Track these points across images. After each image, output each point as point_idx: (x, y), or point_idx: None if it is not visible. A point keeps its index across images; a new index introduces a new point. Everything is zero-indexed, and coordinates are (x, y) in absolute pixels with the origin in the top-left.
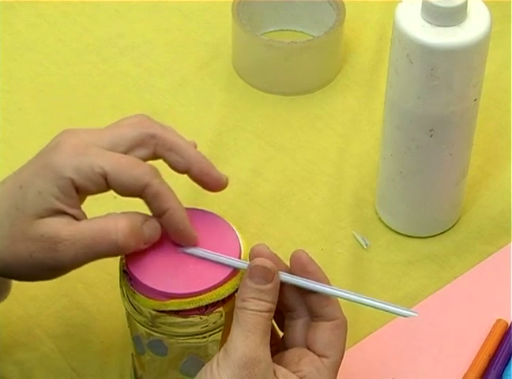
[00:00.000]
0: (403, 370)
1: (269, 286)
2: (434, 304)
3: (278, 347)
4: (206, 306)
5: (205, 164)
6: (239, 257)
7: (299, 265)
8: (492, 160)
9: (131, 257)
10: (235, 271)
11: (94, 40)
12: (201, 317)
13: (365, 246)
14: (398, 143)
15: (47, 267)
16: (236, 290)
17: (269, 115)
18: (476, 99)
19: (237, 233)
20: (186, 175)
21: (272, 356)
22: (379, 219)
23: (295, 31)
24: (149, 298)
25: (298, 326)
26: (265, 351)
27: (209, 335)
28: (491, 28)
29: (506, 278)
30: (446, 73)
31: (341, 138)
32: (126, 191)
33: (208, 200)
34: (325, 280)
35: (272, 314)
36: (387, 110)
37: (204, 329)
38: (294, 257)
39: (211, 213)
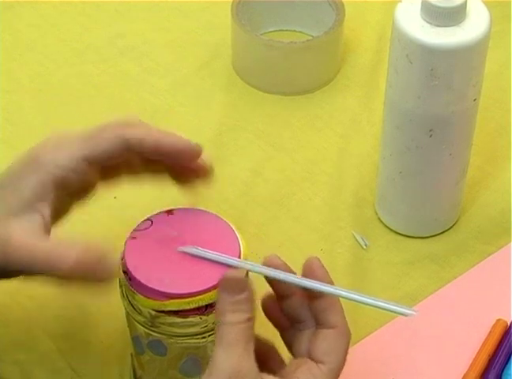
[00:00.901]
0: (403, 370)
1: (243, 296)
2: (434, 304)
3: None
4: (206, 306)
5: (172, 139)
6: (239, 257)
7: (308, 269)
8: (492, 160)
9: (130, 257)
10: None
11: (94, 40)
12: (201, 317)
13: (364, 247)
14: (398, 143)
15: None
16: None
17: (268, 115)
18: (475, 99)
19: (236, 233)
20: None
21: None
22: (379, 219)
23: (295, 31)
24: (149, 298)
25: (304, 337)
26: (250, 362)
27: (209, 336)
28: (490, 28)
29: (506, 278)
30: (445, 73)
31: (341, 138)
32: (110, 156)
33: (208, 201)
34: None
35: (252, 323)
36: (387, 110)
37: (203, 329)
38: (306, 263)
39: (210, 213)
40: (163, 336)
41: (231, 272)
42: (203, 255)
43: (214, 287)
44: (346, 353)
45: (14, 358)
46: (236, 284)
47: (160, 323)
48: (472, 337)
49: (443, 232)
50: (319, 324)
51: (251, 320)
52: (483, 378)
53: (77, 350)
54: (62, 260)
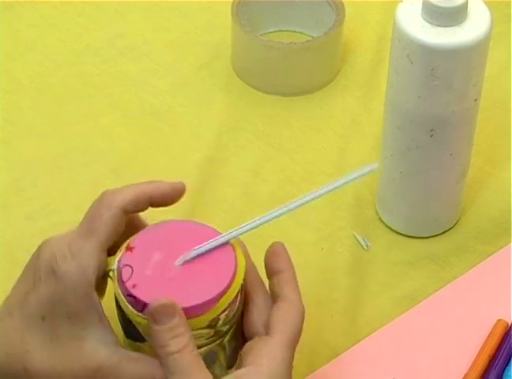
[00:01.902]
0: (403, 370)
1: (176, 320)
2: (434, 304)
3: None
4: (217, 317)
5: (157, 187)
6: (235, 269)
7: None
8: (492, 160)
9: (138, 284)
10: (234, 271)
11: (94, 40)
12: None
13: (365, 247)
14: (398, 143)
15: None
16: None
17: (268, 116)
18: (476, 99)
19: (231, 244)
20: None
21: None
22: (379, 219)
23: (295, 31)
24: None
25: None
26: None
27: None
28: (491, 28)
29: (506, 278)
30: (446, 73)
31: (341, 138)
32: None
33: (208, 201)
34: (291, 270)
35: (193, 342)
36: (387, 110)
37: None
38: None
39: (202, 224)
40: None
41: (157, 301)
42: (202, 250)
43: (220, 297)
44: (299, 325)
45: None
46: (166, 310)
47: None
48: (472, 337)
49: (443, 232)
50: (275, 299)
51: (191, 339)
52: None
53: None
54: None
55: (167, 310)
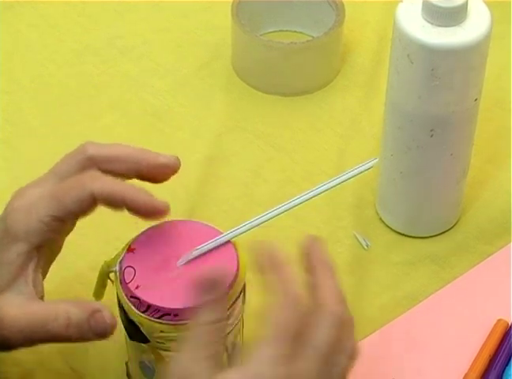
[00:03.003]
0: (403, 370)
1: (212, 296)
2: (434, 304)
3: None
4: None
5: (149, 156)
6: (237, 268)
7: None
8: (492, 160)
9: (141, 285)
10: (237, 271)
11: (94, 41)
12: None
13: (366, 247)
14: (399, 143)
15: None
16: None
17: (268, 116)
18: (476, 99)
19: (233, 243)
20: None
21: None
22: (380, 219)
23: (295, 31)
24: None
25: None
26: (202, 365)
27: None
28: (491, 28)
29: (506, 278)
30: (446, 73)
31: (341, 138)
32: (82, 213)
33: (208, 201)
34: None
35: (223, 325)
36: (388, 110)
37: None
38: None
39: (203, 224)
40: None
41: (210, 271)
42: (204, 250)
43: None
44: (290, 318)
45: (14, 359)
46: (215, 283)
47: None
48: (472, 337)
49: (444, 232)
50: None
51: (215, 322)
52: None
53: (77, 352)
54: (53, 322)
55: (210, 284)
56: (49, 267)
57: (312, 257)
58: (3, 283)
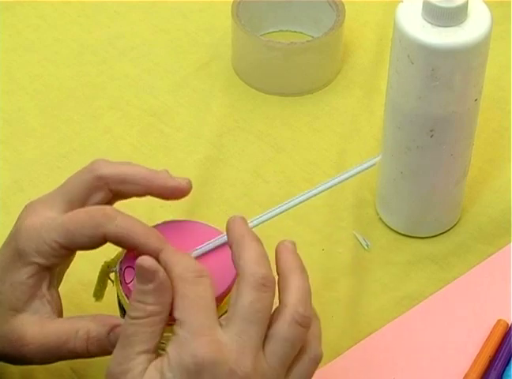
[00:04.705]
0: (403, 370)
1: (150, 286)
2: (434, 304)
3: None
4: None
5: (161, 179)
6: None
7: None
8: (493, 161)
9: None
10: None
11: (93, 41)
12: None
13: (366, 247)
14: (399, 143)
15: (15, 360)
16: None
17: (268, 116)
18: (476, 100)
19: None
20: None
21: None
22: (380, 219)
23: (295, 31)
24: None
25: None
26: (139, 359)
27: None
28: (491, 28)
29: (506, 278)
30: (446, 73)
31: (341, 139)
32: (89, 247)
33: (208, 201)
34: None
35: (157, 318)
36: (388, 110)
37: None
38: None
39: (203, 224)
40: None
41: (141, 259)
42: (204, 250)
43: (224, 296)
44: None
45: None
46: (144, 272)
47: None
48: (472, 338)
49: (444, 232)
50: None
51: (155, 314)
52: None
53: None
54: (75, 339)
55: (145, 272)
56: (61, 279)
57: (282, 260)
58: (19, 303)
